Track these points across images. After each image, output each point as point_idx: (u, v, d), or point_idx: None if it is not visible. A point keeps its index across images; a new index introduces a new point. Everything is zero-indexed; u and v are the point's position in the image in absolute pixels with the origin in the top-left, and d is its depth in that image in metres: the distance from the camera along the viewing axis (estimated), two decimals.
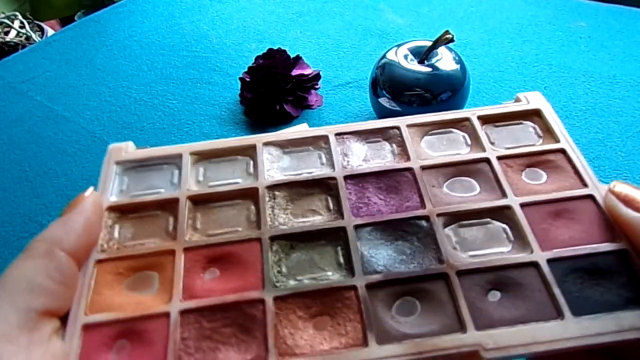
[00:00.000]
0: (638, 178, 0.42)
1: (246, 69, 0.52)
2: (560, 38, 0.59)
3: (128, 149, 0.26)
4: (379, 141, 0.27)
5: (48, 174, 0.48)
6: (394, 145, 0.27)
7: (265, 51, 0.53)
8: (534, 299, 0.20)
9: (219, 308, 0.21)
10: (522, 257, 0.21)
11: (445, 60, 0.42)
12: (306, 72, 0.52)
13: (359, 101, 0.52)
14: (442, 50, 0.43)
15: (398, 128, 0.27)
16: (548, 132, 0.27)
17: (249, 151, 0.26)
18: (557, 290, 0.20)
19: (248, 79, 0.51)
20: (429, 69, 0.42)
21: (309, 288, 0.21)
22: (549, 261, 0.21)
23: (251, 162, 0.26)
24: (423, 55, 0.43)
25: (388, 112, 0.44)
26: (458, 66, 0.43)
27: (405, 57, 0.43)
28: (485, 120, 0.27)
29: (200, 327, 0.20)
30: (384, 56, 0.44)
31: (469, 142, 0.27)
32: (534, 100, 0.28)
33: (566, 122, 0.52)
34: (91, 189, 0.23)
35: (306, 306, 0.21)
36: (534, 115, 0.27)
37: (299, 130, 0.28)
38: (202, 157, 0.26)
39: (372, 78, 0.45)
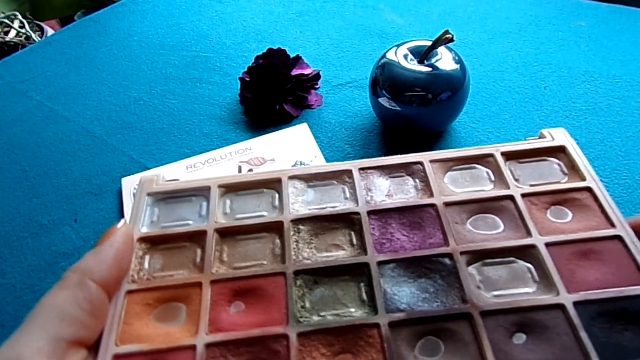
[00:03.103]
0: (638, 178, 0.42)
1: (246, 69, 0.52)
2: (560, 38, 0.59)
3: (159, 181, 0.27)
4: (402, 176, 0.27)
5: (48, 174, 0.48)
6: (418, 180, 0.27)
7: (265, 51, 0.53)
8: (561, 344, 0.20)
9: (244, 342, 0.21)
10: (548, 299, 0.21)
11: (445, 60, 0.42)
12: (306, 72, 0.52)
13: (359, 101, 0.52)
14: (442, 50, 0.43)
15: (421, 164, 0.27)
16: (573, 169, 0.27)
17: (275, 184, 0.27)
18: (584, 335, 0.20)
19: (248, 79, 0.51)
20: (429, 69, 0.42)
21: (332, 325, 0.21)
22: (576, 304, 0.21)
23: (277, 196, 0.27)
24: (423, 55, 0.43)
25: (388, 112, 0.44)
26: (458, 66, 0.43)
27: (405, 57, 0.43)
28: (509, 156, 0.27)
29: None
30: (384, 56, 0.44)
31: (493, 178, 0.27)
32: (558, 137, 0.28)
33: (566, 122, 0.52)
34: (123, 220, 0.24)
35: (329, 343, 0.21)
36: (559, 152, 0.27)
37: (323, 164, 0.28)
38: (230, 190, 0.27)
39: (372, 78, 0.45)
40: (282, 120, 0.50)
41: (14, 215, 0.44)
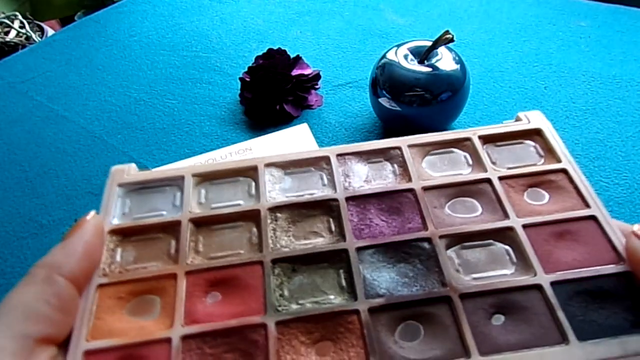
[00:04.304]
0: (638, 178, 0.42)
1: (246, 69, 0.52)
2: (560, 38, 0.59)
3: (130, 171, 0.27)
4: (380, 161, 0.27)
5: (48, 174, 0.48)
6: (396, 165, 0.27)
7: (265, 51, 0.53)
8: (539, 323, 0.20)
9: (220, 333, 0.20)
10: (525, 279, 0.21)
11: (445, 60, 0.42)
12: (306, 72, 0.52)
13: (359, 101, 0.52)
14: (442, 50, 0.43)
15: (399, 148, 0.27)
16: (549, 151, 0.27)
17: (251, 172, 0.26)
18: (561, 314, 0.20)
19: (248, 79, 0.51)
20: (429, 69, 0.42)
21: (310, 312, 0.21)
22: (553, 284, 0.21)
23: (253, 184, 0.26)
24: (423, 55, 0.43)
25: (388, 112, 0.44)
26: (458, 66, 0.43)
27: (405, 57, 0.43)
28: (486, 139, 0.27)
29: (202, 353, 0.20)
30: (384, 56, 0.44)
31: (470, 161, 0.27)
32: (534, 119, 0.28)
33: (566, 122, 0.52)
34: (93, 212, 0.23)
35: (308, 331, 0.20)
36: (535, 134, 0.28)
37: (300, 151, 0.28)
38: (204, 178, 0.26)
39: (372, 78, 0.45)
40: (282, 120, 0.50)
41: (14, 215, 0.44)
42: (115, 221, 0.24)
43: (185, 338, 0.20)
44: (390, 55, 0.43)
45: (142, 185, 0.26)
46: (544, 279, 0.21)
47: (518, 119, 0.28)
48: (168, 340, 0.20)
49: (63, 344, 0.20)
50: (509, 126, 0.28)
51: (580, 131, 0.47)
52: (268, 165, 0.27)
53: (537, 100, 0.50)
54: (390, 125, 0.48)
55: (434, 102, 0.42)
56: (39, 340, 0.18)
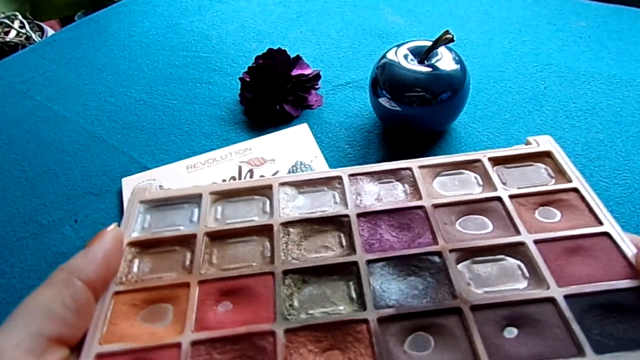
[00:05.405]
0: (638, 178, 0.42)
1: (246, 69, 0.52)
2: (560, 38, 0.59)
3: (152, 189, 0.28)
4: (391, 182, 0.28)
5: (48, 174, 0.48)
6: (407, 185, 0.27)
7: (265, 51, 0.53)
8: (553, 336, 0.20)
9: (229, 340, 0.21)
10: (538, 292, 0.21)
11: (445, 60, 0.42)
12: (306, 72, 0.52)
13: (359, 101, 0.52)
14: (442, 50, 0.43)
15: (410, 169, 0.28)
16: (560, 172, 0.27)
17: (266, 191, 0.27)
18: (576, 327, 0.20)
19: (248, 79, 0.51)
20: (429, 69, 0.42)
21: (320, 321, 0.21)
22: (567, 297, 0.21)
23: (267, 202, 0.27)
24: (423, 55, 0.43)
25: (388, 112, 0.44)
26: (458, 66, 0.43)
27: (405, 57, 0.43)
28: (497, 161, 0.28)
29: (210, 359, 0.20)
30: (384, 56, 0.44)
31: (481, 182, 0.27)
32: (543, 143, 0.29)
33: (566, 122, 0.52)
34: (114, 224, 0.24)
35: (317, 340, 0.21)
36: (545, 156, 0.28)
37: (313, 172, 0.29)
38: (221, 196, 0.28)
39: (372, 78, 0.45)
40: (282, 120, 0.50)
41: (14, 215, 0.44)
42: (135, 234, 0.26)
43: (195, 344, 0.21)
44: (390, 55, 0.43)
45: (162, 202, 0.27)
46: (558, 292, 0.21)
47: (528, 143, 0.29)
48: (178, 345, 0.20)
49: (76, 348, 0.20)
50: (519, 149, 0.28)
51: (580, 131, 0.46)
52: (283, 184, 0.28)
53: (537, 100, 0.50)
54: (390, 125, 0.48)
55: (434, 102, 0.42)
56: (53, 340, 0.19)
